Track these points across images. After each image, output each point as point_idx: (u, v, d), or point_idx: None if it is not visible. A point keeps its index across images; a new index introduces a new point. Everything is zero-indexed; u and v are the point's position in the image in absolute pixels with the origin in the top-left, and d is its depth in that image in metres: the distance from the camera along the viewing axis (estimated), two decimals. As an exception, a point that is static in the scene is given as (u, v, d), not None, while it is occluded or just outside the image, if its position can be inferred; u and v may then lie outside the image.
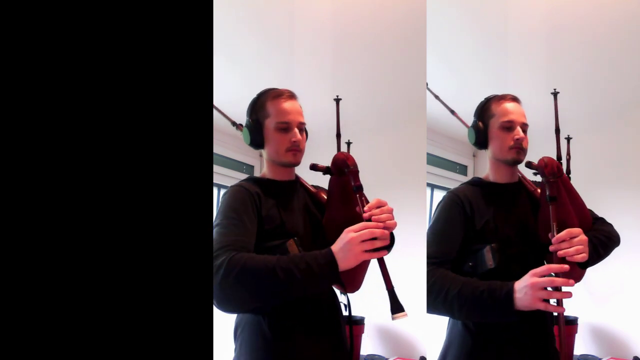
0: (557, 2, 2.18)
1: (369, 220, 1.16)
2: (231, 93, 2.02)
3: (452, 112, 1.72)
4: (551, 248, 1.23)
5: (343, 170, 1.27)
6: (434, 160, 3.12)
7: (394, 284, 1.18)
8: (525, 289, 1.18)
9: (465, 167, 3.42)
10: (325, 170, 1.30)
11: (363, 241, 1.12)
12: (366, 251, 1.13)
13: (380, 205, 1.19)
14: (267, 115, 1.29)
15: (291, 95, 1.31)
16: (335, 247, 1.14)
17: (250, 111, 1.34)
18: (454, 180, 3.23)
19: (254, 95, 1.35)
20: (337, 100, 1.36)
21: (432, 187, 3.22)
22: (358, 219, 1.18)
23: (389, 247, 1.30)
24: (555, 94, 1.41)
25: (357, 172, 1.26)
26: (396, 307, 1.15)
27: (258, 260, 1.12)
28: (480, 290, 1.22)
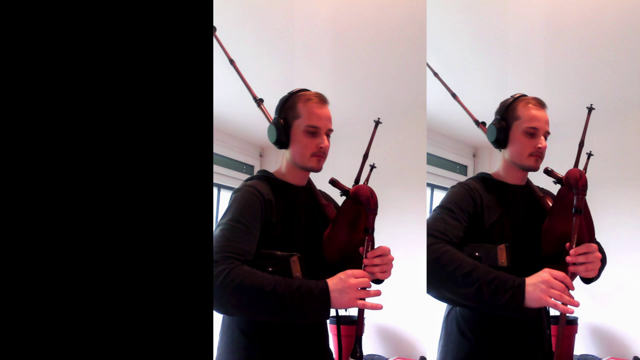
0: (557, 2, 2.18)
1: (367, 265, 1.20)
2: (231, 93, 2.02)
3: (454, 95, 1.68)
4: (568, 259, 1.22)
5: (362, 205, 1.24)
6: (434, 160, 3.12)
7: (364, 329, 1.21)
8: (540, 283, 1.17)
9: (465, 167, 3.43)
10: (344, 193, 1.28)
11: (361, 289, 1.15)
12: (360, 299, 1.15)
13: (382, 254, 1.21)
14: (297, 116, 1.27)
15: (323, 100, 1.29)
16: (332, 285, 1.15)
17: (279, 110, 1.31)
18: (454, 180, 3.23)
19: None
20: (377, 123, 1.33)
21: (432, 187, 3.22)
22: (359, 253, 1.22)
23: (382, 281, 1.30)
24: (590, 109, 1.33)
25: (375, 214, 1.24)
26: (355, 353, 1.19)
27: (256, 280, 1.12)
28: (493, 277, 1.19)
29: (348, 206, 1.26)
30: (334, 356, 1.34)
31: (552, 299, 1.17)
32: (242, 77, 1.46)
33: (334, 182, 1.30)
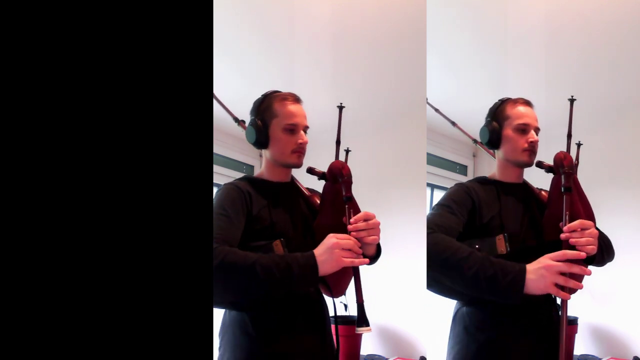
0: (557, 3, 2.18)
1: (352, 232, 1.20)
2: (231, 93, 2.02)
3: (453, 123, 1.73)
4: (562, 236, 1.22)
5: (337, 179, 1.29)
6: (434, 160, 3.12)
7: (364, 298, 1.21)
8: (541, 270, 1.16)
9: (465, 167, 3.42)
10: (321, 176, 1.33)
11: (344, 249, 1.16)
12: (346, 258, 1.16)
13: (367, 218, 1.22)
14: (274, 116, 1.30)
15: (297, 99, 1.33)
16: (317, 250, 1.17)
17: (255, 111, 1.34)
18: (454, 180, 3.22)
19: (258, 96, 1.35)
20: (340, 108, 1.37)
21: (432, 187, 3.22)
22: (346, 227, 1.22)
23: (374, 258, 1.30)
24: (572, 100, 1.42)
25: (350, 183, 1.28)
26: (362, 321, 1.20)
27: (238, 256, 1.14)
28: (492, 262, 1.19)
29: (328, 188, 1.31)
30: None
31: (556, 284, 1.16)
32: (221, 103, 1.51)
33: (311, 170, 1.35)
